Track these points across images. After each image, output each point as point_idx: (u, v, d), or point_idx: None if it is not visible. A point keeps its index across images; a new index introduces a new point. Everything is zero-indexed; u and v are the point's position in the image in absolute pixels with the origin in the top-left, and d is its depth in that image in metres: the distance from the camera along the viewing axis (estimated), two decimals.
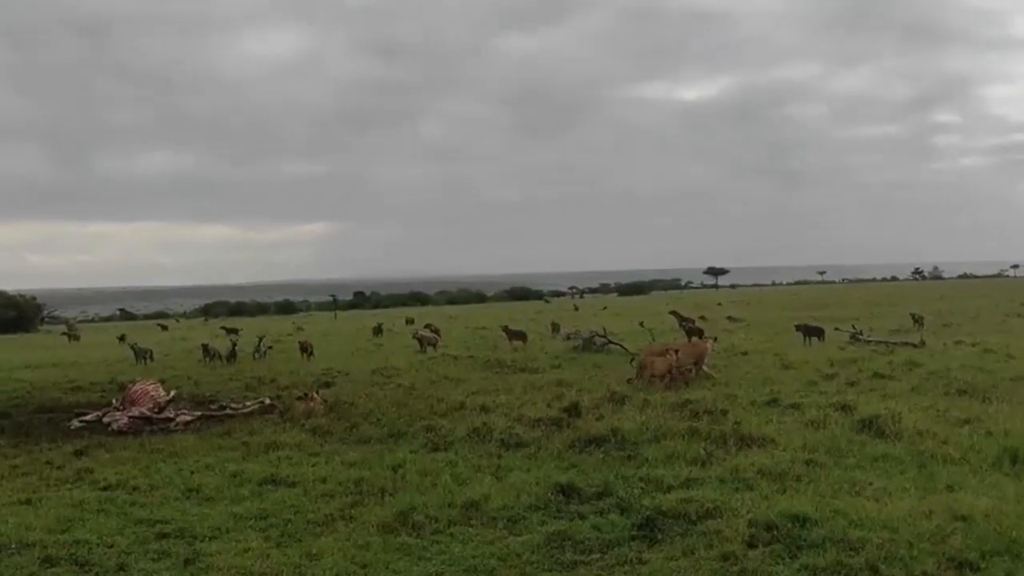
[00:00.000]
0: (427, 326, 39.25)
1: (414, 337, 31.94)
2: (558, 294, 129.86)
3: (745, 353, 23.50)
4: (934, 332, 29.59)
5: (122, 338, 30.48)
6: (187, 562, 7.50)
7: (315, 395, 15.97)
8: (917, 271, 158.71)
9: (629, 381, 17.25)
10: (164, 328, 63.08)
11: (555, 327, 36.30)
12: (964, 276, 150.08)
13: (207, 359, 28.18)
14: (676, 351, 18.45)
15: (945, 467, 9.88)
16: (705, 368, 18.33)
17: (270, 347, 30.14)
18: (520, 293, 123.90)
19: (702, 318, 40.81)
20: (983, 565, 6.68)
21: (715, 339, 19.69)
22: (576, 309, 61.11)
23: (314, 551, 7.63)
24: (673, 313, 39.74)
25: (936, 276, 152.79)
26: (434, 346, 29.63)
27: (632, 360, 19.53)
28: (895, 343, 24.51)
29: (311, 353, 28.17)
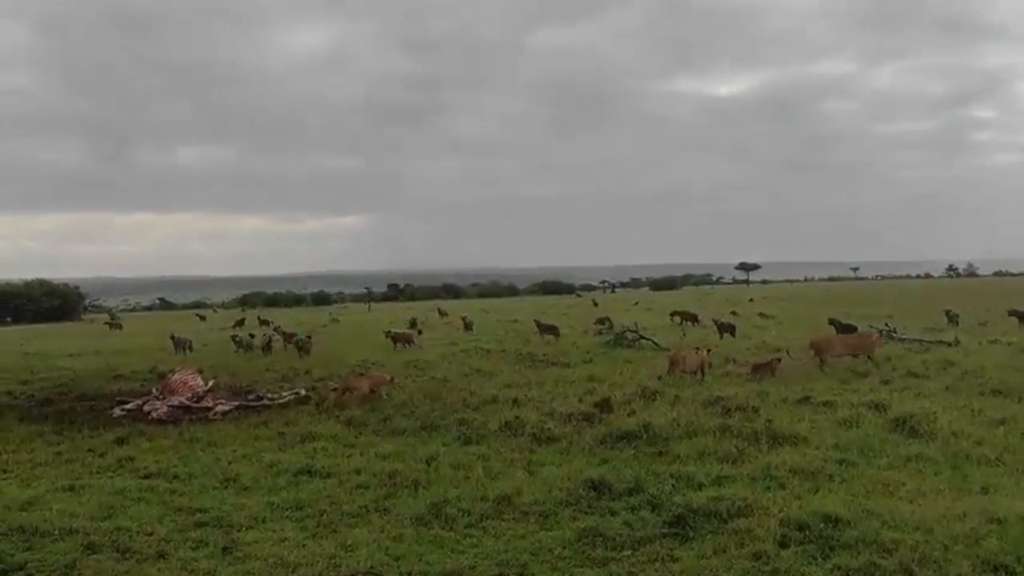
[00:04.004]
0: (462, 319, 39.36)
1: (387, 336, 29.91)
2: (590, 288, 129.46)
3: (776, 350, 23.32)
4: (969, 330, 29.10)
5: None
6: (225, 550, 7.68)
7: (359, 384, 16.26)
8: (951, 268, 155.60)
9: (660, 377, 17.24)
10: (202, 318, 63.79)
11: (600, 321, 35.42)
12: (999, 273, 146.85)
13: (242, 350, 28.54)
14: (708, 349, 18.50)
15: (980, 468, 9.81)
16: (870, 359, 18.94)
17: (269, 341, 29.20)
18: (552, 287, 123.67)
19: (733, 313, 40.38)
20: (1018, 569, 6.64)
21: (881, 332, 19.67)
22: (596, 305, 59.66)
23: (349, 542, 7.77)
24: (675, 314, 37.80)
25: (971, 273, 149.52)
26: (408, 343, 28.30)
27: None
28: (929, 341, 24.14)
29: (307, 351, 26.73)
